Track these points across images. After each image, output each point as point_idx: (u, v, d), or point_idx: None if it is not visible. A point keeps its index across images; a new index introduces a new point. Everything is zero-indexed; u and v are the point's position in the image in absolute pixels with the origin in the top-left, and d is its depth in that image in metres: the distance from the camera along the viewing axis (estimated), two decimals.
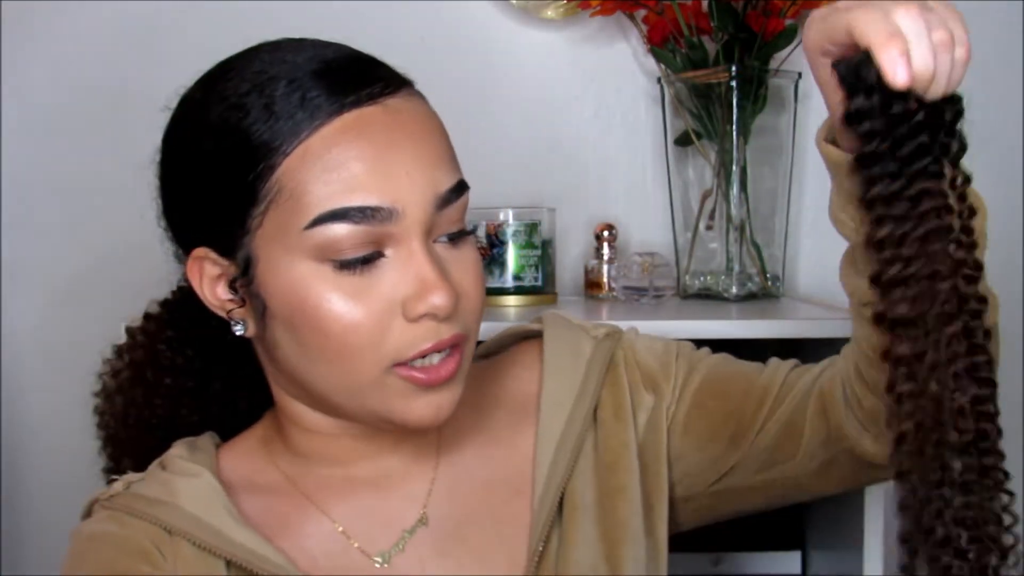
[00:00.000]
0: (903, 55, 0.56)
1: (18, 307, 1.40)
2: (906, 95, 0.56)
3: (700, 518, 0.86)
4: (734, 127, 1.22)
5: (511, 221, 1.21)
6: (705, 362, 0.84)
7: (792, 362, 0.83)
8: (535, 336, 0.87)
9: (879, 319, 0.62)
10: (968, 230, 0.62)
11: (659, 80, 1.31)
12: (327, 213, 0.68)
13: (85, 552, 0.75)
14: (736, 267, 1.25)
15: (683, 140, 1.30)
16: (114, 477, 0.79)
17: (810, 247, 1.41)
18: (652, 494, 0.81)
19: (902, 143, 0.57)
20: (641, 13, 1.32)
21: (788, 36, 1.26)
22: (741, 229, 1.24)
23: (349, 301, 0.69)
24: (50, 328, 1.39)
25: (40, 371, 1.39)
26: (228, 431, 0.84)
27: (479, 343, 0.83)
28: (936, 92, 0.58)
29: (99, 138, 1.37)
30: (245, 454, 0.82)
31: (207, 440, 0.82)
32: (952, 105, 0.59)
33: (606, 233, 1.29)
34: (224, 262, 0.73)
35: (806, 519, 1.23)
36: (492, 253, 1.21)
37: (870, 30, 0.56)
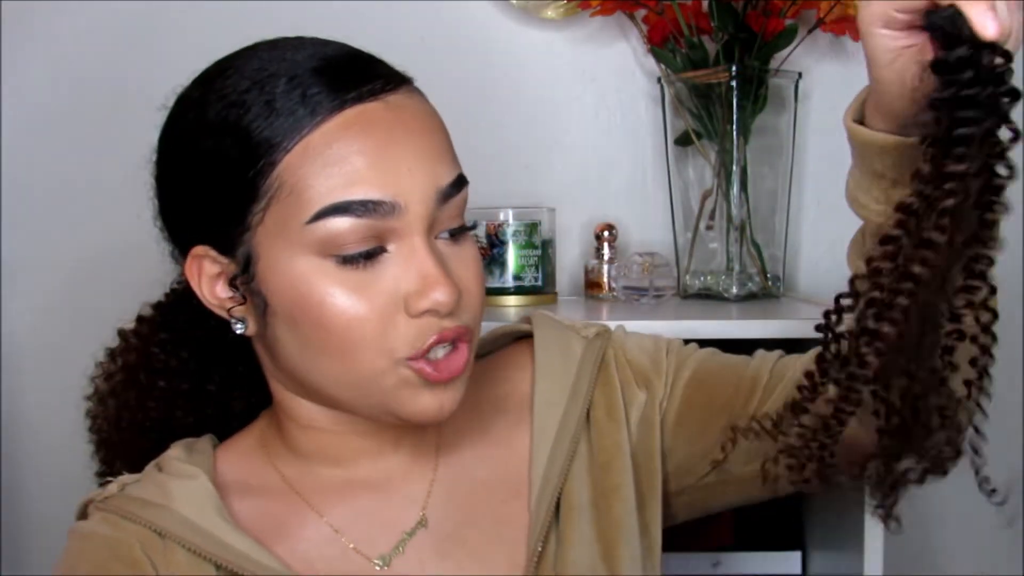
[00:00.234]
0: (991, 9, 0.58)
1: (18, 307, 1.39)
2: (993, 46, 0.59)
3: (692, 511, 0.86)
4: (734, 127, 1.22)
5: (511, 221, 1.21)
6: (694, 357, 0.85)
7: (778, 353, 0.84)
8: (525, 336, 0.87)
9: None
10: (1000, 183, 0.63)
11: (659, 80, 1.31)
12: (329, 207, 0.68)
13: (79, 552, 0.75)
14: (736, 267, 1.25)
15: (683, 140, 1.30)
16: (108, 479, 0.78)
17: (810, 247, 1.41)
18: (646, 491, 0.81)
19: (990, 88, 0.60)
20: (641, 13, 1.32)
21: (788, 36, 1.26)
22: (741, 229, 1.24)
23: (352, 296, 0.69)
24: (49, 328, 1.39)
25: (40, 371, 1.39)
26: (223, 433, 0.84)
27: None
28: (1013, 45, 0.60)
29: (99, 138, 1.36)
30: (242, 455, 0.81)
31: (206, 442, 0.82)
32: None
33: (606, 233, 1.29)
34: (223, 260, 0.73)
35: (806, 519, 1.23)
36: (492, 253, 1.21)
37: None
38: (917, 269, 0.60)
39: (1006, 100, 0.60)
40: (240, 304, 0.74)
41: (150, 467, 0.79)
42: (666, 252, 1.29)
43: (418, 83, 0.76)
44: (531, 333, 0.86)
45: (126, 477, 0.78)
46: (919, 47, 0.61)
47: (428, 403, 0.72)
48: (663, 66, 1.31)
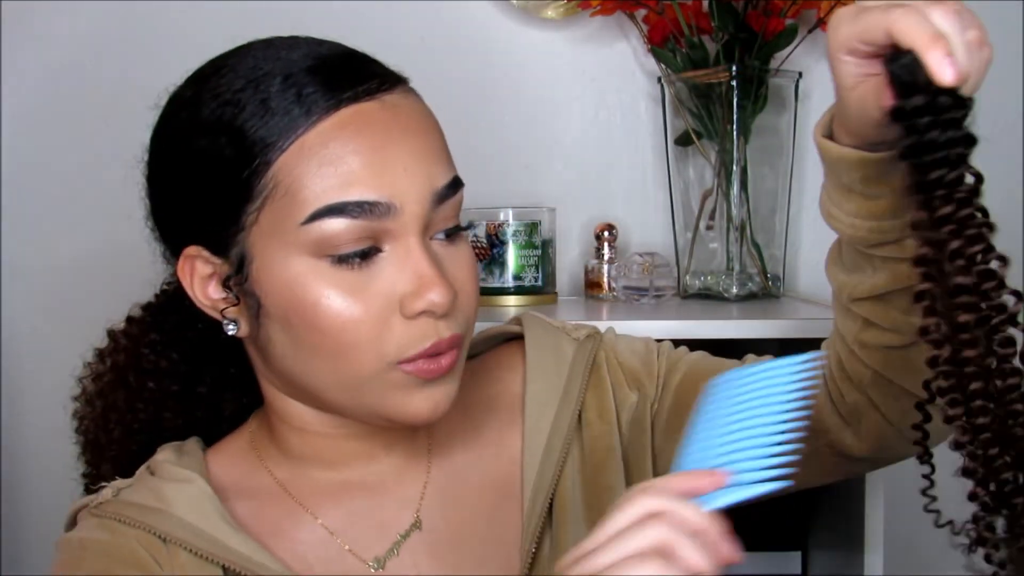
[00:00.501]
0: (948, 55, 0.57)
1: (17, 307, 1.39)
2: (949, 91, 0.59)
3: None
4: (734, 127, 1.22)
5: (511, 221, 1.21)
6: (685, 359, 0.85)
7: (767, 357, 0.83)
8: (515, 337, 0.87)
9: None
10: (986, 212, 0.62)
11: (659, 80, 1.31)
12: (324, 208, 0.68)
13: (78, 561, 0.72)
14: (736, 267, 1.25)
15: (683, 140, 1.30)
16: (102, 484, 0.77)
17: (810, 247, 1.41)
18: None
19: (948, 133, 0.60)
20: (641, 13, 1.32)
21: (788, 36, 1.26)
22: (741, 229, 1.24)
23: (347, 297, 0.69)
24: (50, 328, 1.38)
25: (40, 371, 1.39)
26: (212, 435, 0.83)
27: None
28: (970, 88, 0.60)
29: (99, 138, 1.36)
30: (234, 457, 0.80)
31: (194, 444, 0.81)
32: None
33: (606, 233, 1.29)
34: (216, 260, 0.73)
35: (806, 519, 1.23)
36: (492, 253, 1.21)
37: (913, 32, 0.57)
38: (963, 318, 0.59)
39: (962, 147, 0.59)
40: (233, 305, 0.73)
41: (142, 471, 0.78)
42: (666, 252, 1.29)
43: (418, 83, 0.76)
44: (521, 334, 0.86)
45: (119, 482, 0.76)
46: (881, 77, 0.61)
47: (422, 402, 0.72)
48: (663, 66, 1.31)
